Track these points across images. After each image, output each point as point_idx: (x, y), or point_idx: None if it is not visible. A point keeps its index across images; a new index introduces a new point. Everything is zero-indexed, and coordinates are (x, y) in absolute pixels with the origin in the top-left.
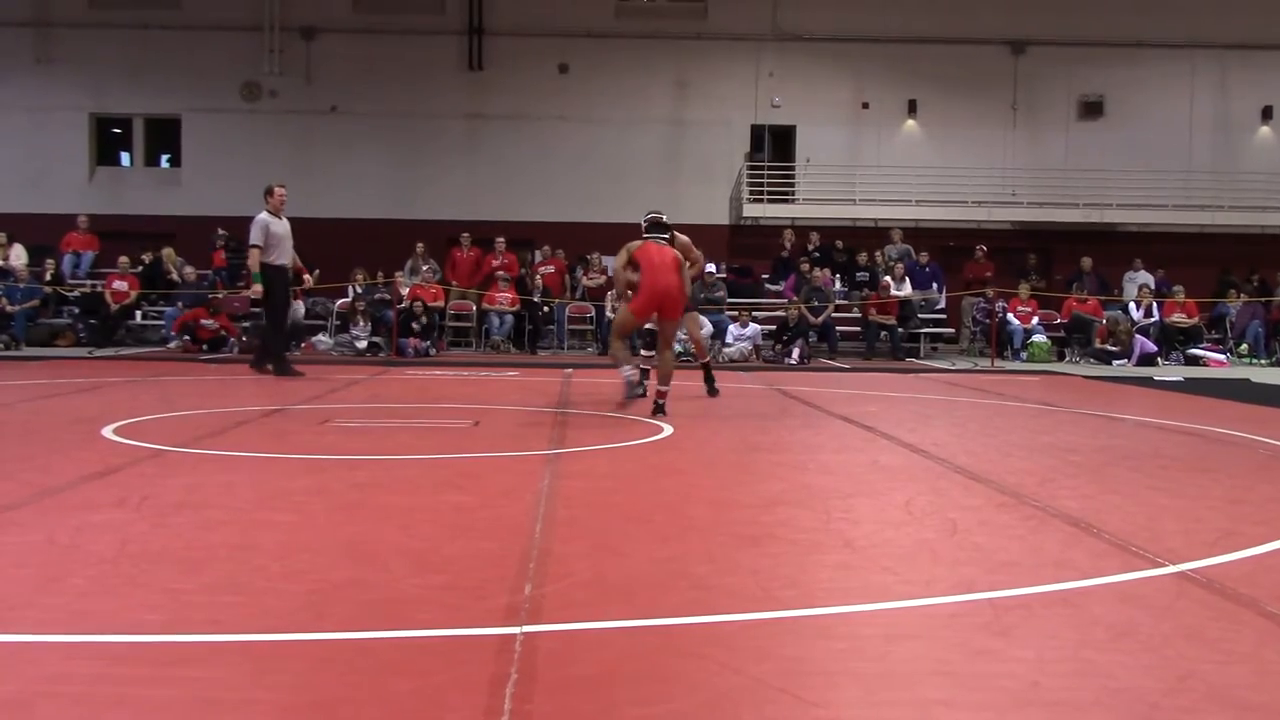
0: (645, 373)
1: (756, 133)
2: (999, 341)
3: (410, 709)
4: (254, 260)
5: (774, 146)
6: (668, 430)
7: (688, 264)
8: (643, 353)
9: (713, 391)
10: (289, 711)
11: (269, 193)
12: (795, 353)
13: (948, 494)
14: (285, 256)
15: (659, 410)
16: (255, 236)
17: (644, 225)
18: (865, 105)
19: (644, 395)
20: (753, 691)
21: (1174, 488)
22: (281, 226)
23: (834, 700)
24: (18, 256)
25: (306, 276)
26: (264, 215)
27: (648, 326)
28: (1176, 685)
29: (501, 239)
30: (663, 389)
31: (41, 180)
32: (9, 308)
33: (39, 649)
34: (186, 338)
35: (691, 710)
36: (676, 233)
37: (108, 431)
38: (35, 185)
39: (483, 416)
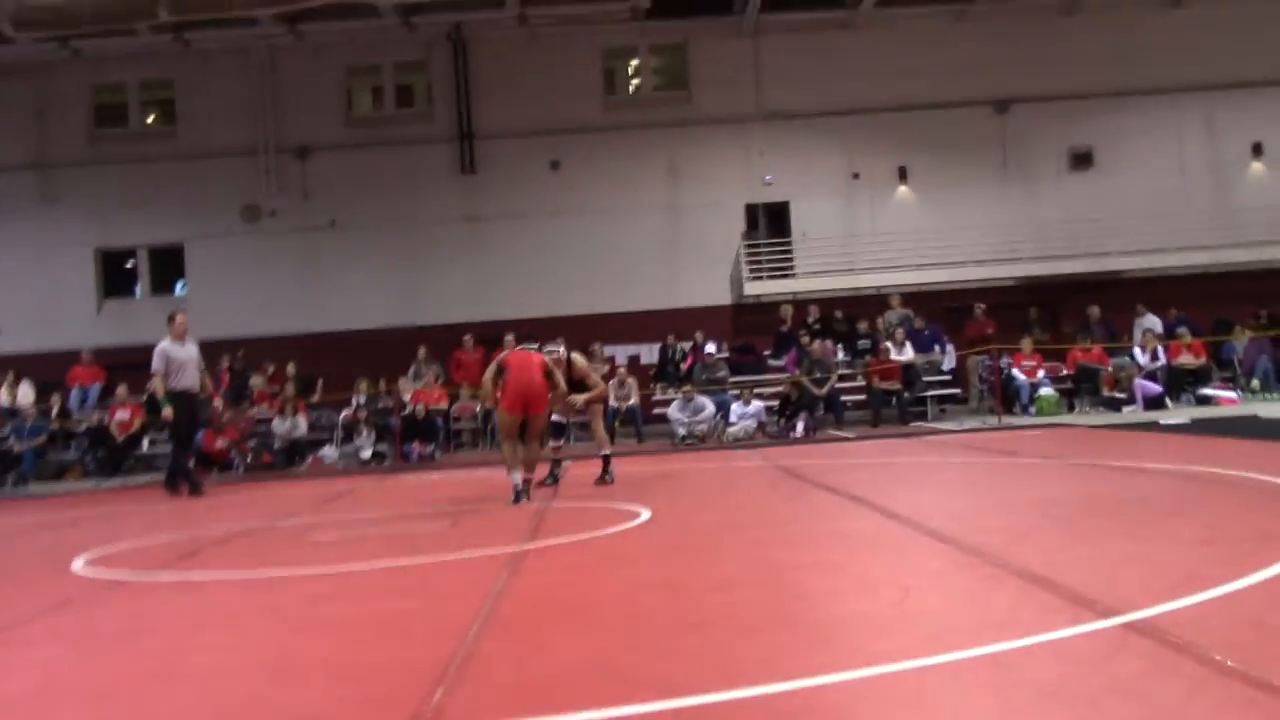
0: (557, 463)
1: (751, 211)
2: (1006, 397)
3: None
4: (156, 385)
5: (769, 223)
6: (645, 515)
7: (560, 377)
8: (551, 444)
9: (602, 480)
10: None
11: (170, 320)
12: (799, 426)
13: (909, 559)
14: (187, 381)
15: (520, 495)
16: (156, 364)
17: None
18: (856, 175)
19: (527, 498)
20: None
21: (1146, 533)
22: (184, 352)
23: None
24: (25, 395)
25: (217, 401)
26: (165, 343)
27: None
28: None
29: (510, 335)
30: (527, 476)
31: (50, 316)
32: (16, 447)
33: None
34: (193, 461)
35: None
36: (576, 357)
37: (78, 563)
38: (44, 321)
39: (463, 517)
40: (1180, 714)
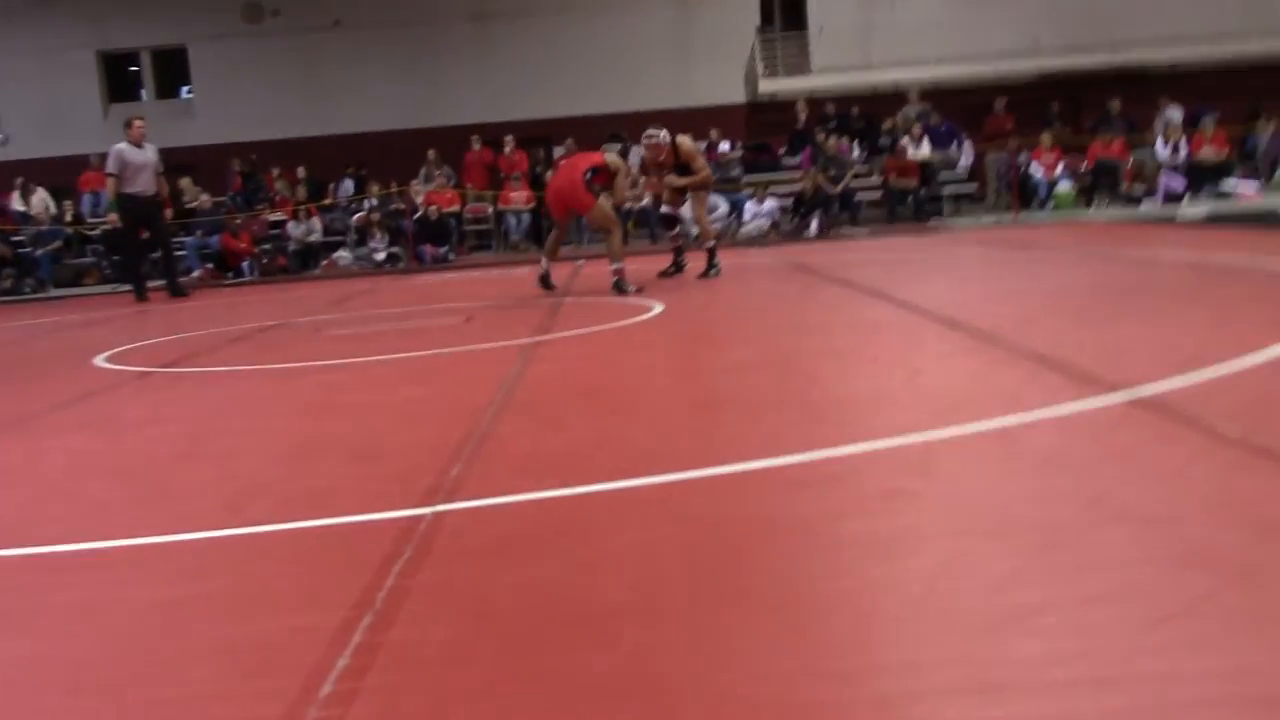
0: (679, 251)
1: (765, 3)
2: (1023, 194)
3: (291, 592)
4: (109, 187)
5: (785, 16)
6: (657, 308)
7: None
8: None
9: (707, 274)
10: (168, 606)
11: (128, 124)
12: (813, 224)
13: (921, 343)
14: (142, 185)
15: (617, 287)
16: (111, 165)
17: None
18: None
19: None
20: (647, 551)
21: (1157, 318)
22: (140, 156)
23: (715, 554)
24: (42, 200)
25: (168, 210)
26: (121, 145)
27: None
28: (1086, 506)
29: (510, 137)
30: (548, 267)
31: (56, 121)
32: (34, 253)
33: None
34: (210, 265)
35: (570, 572)
36: (682, 140)
37: (99, 359)
38: (50, 127)
39: (478, 313)
40: (1179, 478)
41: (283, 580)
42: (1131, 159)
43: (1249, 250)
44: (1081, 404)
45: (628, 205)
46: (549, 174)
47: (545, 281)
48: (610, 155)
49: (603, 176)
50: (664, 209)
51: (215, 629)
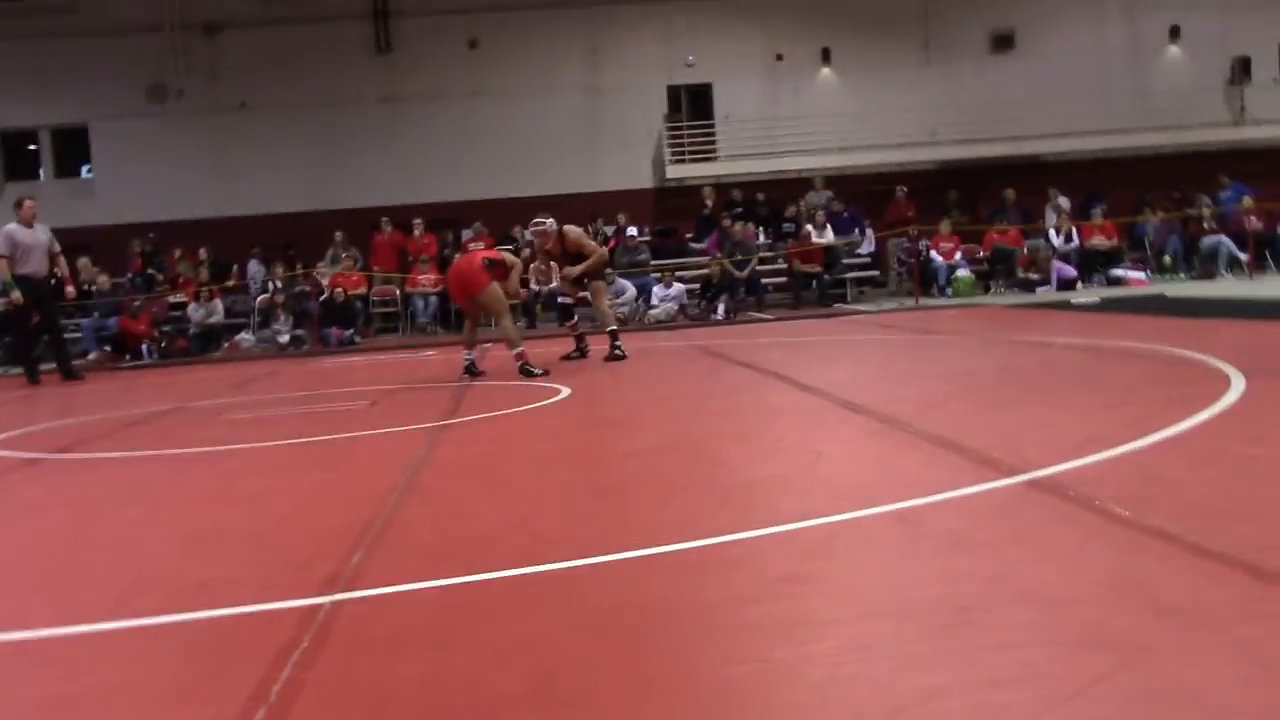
0: (581, 338)
1: (673, 93)
2: (924, 279)
3: (183, 686)
4: (2, 269)
5: (692, 106)
6: (565, 392)
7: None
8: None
9: (613, 355)
10: (52, 703)
11: (18, 204)
12: (720, 308)
13: (823, 427)
14: (33, 266)
15: (523, 371)
16: (1, 247)
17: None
18: (779, 57)
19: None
20: (547, 638)
21: (1053, 401)
22: (31, 236)
23: (617, 641)
24: None
25: (70, 289)
26: (12, 226)
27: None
28: (986, 587)
29: (419, 220)
30: (470, 355)
31: None
32: None
33: None
34: (107, 348)
35: (470, 662)
36: (569, 229)
37: None
38: None
39: (383, 396)
40: (1075, 558)
41: (174, 674)
42: (1026, 246)
43: (1141, 335)
44: (981, 486)
45: (533, 289)
46: (456, 257)
47: (471, 369)
48: (507, 254)
49: (499, 270)
50: (560, 299)
51: None
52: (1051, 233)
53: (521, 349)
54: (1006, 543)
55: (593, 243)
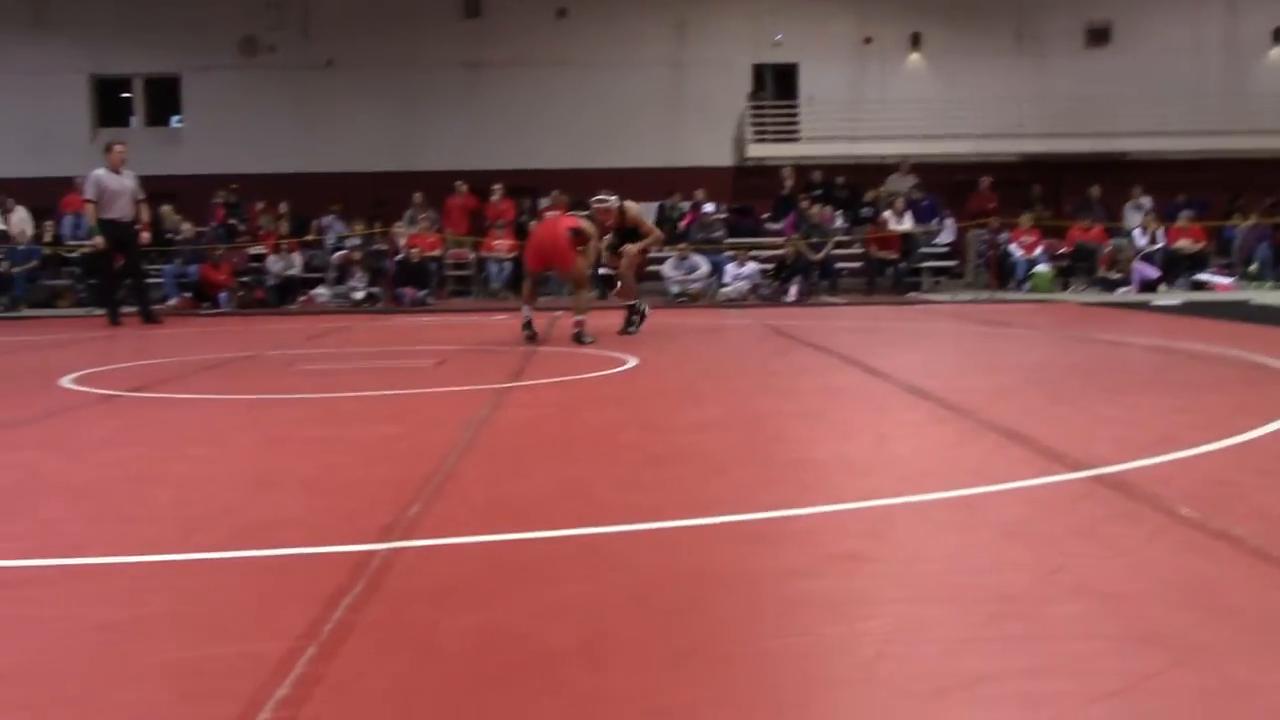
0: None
1: (758, 72)
2: (1002, 273)
3: (237, 620)
4: (89, 213)
5: (776, 85)
6: (632, 363)
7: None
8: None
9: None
10: (108, 627)
11: (108, 149)
12: (793, 290)
13: (888, 411)
14: (119, 211)
15: (577, 339)
16: (88, 191)
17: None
18: (868, 40)
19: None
20: (598, 599)
21: (1126, 400)
22: (118, 182)
23: (666, 607)
24: (20, 220)
25: (145, 235)
26: (99, 171)
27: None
28: (1043, 578)
29: (499, 185)
30: (531, 316)
31: (43, 143)
32: (12, 271)
33: None
34: (187, 294)
35: (520, 617)
36: (629, 205)
37: (66, 380)
38: (37, 148)
39: (451, 356)
40: (1136, 555)
41: (229, 608)
42: (1110, 244)
43: (1220, 340)
44: (1045, 479)
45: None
46: (533, 224)
47: (529, 328)
48: (586, 223)
49: (581, 238)
50: (602, 270)
51: (155, 652)
52: (1136, 232)
53: (584, 318)
54: (1067, 536)
55: (650, 222)
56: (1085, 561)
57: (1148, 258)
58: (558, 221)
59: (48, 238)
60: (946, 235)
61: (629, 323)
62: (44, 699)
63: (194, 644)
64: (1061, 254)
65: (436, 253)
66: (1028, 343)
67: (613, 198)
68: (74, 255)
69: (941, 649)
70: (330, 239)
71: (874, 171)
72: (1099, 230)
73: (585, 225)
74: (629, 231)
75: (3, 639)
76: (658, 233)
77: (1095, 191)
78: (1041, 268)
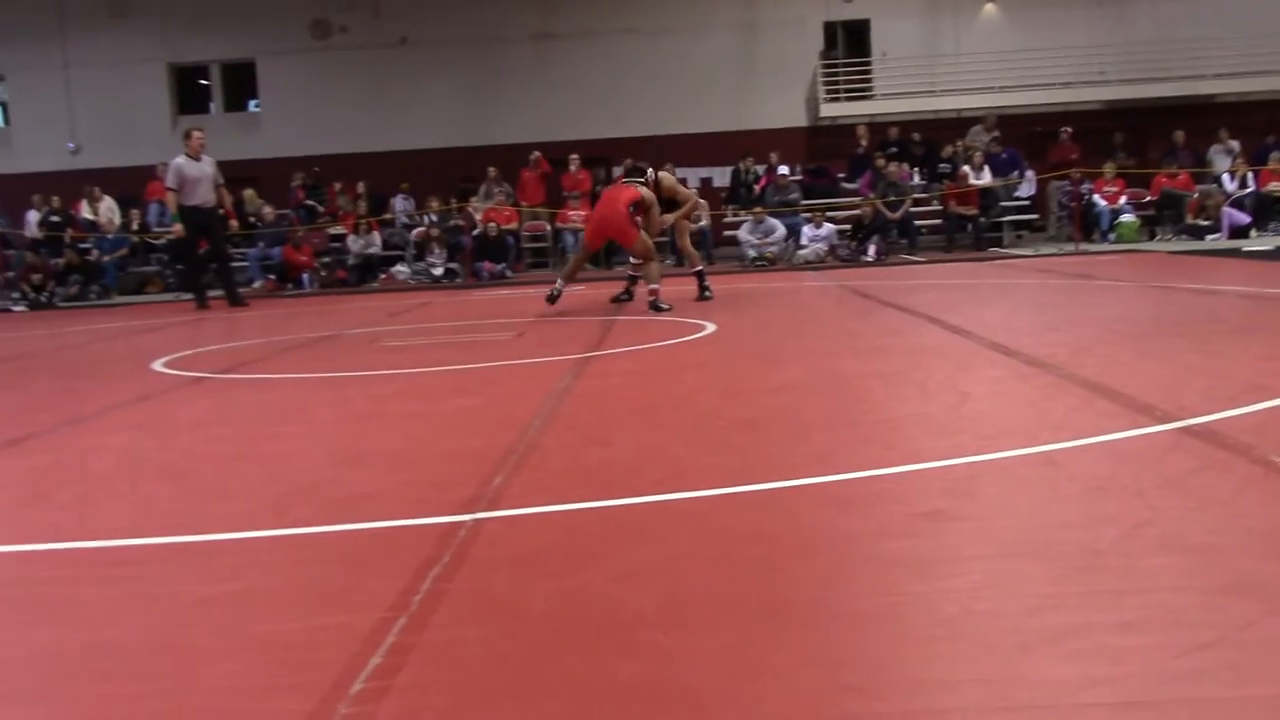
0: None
1: (829, 30)
2: (1086, 224)
3: (330, 592)
4: (170, 201)
5: (848, 43)
6: (710, 328)
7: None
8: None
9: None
10: (207, 602)
11: (186, 136)
12: (871, 249)
13: (971, 369)
14: (201, 197)
15: (653, 307)
16: (170, 180)
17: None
18: None
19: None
20: (681, 563)
21: (1213, 349)
22: (198, 169)
23: (750, 569)
24: (109, 209)
25: (234, 222)
26: (179, 159)
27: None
28: (1129, 532)
29: (576, 156)
30: (561, 288)
31: (126, 132)
32: (102, 260)
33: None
34: (271, 277)
35: (604, 582)
36: (664, 175)
37: (158, 364)
38: (121, 138)
39: (530, 328)
40: (1226, 506)
41: (322, 580)
42: (1197, 191)
43: None
44: (1132, 432)
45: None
46: (600, 189)
47: (553, 299)
48: (644, 189)
49: (642, 211)
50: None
51: (252, 625)
52: (1225, 177)
53: (658, 286)
54: (1155, 489)
55: (686, 190)
56: (1174, 514)
57: (1237, 203)
58: (618, 197)
59: (135, 226)
60: (1027, 188)
61: (702, 289)
62: (151, 671)
63: (289, 617)
64: (1147, 202)
65: (513, 226)
66: (1113, 294)
67: (649, 170)
68: (160, 242)
69: (1027, 604)
70: (400, 218)
71: (951, 126)
72: (1185, 177)
73: (645, 194)
74: (666, 201)
75: (111, 614)
76: (696, 198)
77: (1180, 137)
78: (1127, 217)
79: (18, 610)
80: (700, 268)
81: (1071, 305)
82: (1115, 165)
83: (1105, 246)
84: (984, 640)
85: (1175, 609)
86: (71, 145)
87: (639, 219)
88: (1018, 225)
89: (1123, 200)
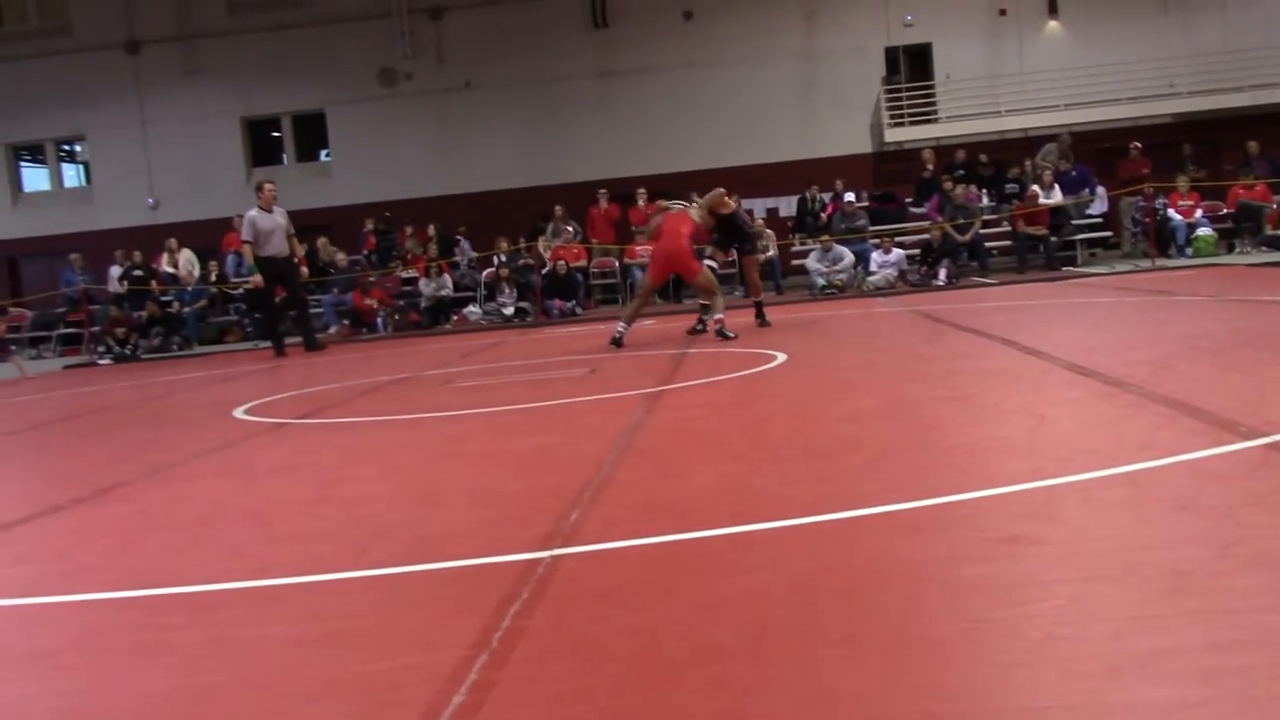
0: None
1: (891, 55)
2: (1161, 240)
3: (411, 632)
4: (247, 254)
5: (910, 67)
6: (781, 358)
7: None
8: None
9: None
10: (294, 644)
11: (258, 189)
12: (942, 273)
13: (1048, 390)
14: (275, 248)
15: (719, 334)
16: (245, 233)
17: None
18: (1003, 12)
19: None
20: (759, 594)
21: None
22: (270, 221)
23: (828, 598)
24: (187, 261)
25: (304, 269)
26: (253, 212)
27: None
28: (1217, 552)
29: (643, 190)
30: (623, 328)
31: (202, 186)
32: (182, 311)
33: (93, 605)
34: (346, 322)
35: (683, 615)
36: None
37: (239, 411)
38: (198, 191)
39: (602, 364)
40: None
41: (403, 620)
42: (1276, 201)
43: None
44: (1216, 450)
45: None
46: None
47: (618, 343)
48: (693, 211)
49: (699, 237)
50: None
51: (337, 666)
52: None
53: (721, 316)
54: (1242, 507)
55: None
56: (1264, 532)
57: None
58: (676, 229)
59: (213, 277)
60: (1099, 205)
61: (760, 316)
62: (241, 714)
63: (373, 657)
64: (1223, 215)
65: (581, 263)
66: (1192, 310)
67: (675, 203)
68: (238, 292)
69: (1114, 628)
70: (463, 260)
71: (1017, 146)
72: (1262, 188)
73: (695, 215)
74: (724, 219)
75: (201, 659)
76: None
77: (1254, 147)
78: (1203, 231)
79: (112, 656)
80: (759, 299)
81: (1150, 322)
82: (1188, 178)
83: (1182, 261)
84: (1070, 666)
85: (1270, 629)
86: (150, 200)
87: (697, 247)
88: (1091, 244)
89: (1198, 214)
